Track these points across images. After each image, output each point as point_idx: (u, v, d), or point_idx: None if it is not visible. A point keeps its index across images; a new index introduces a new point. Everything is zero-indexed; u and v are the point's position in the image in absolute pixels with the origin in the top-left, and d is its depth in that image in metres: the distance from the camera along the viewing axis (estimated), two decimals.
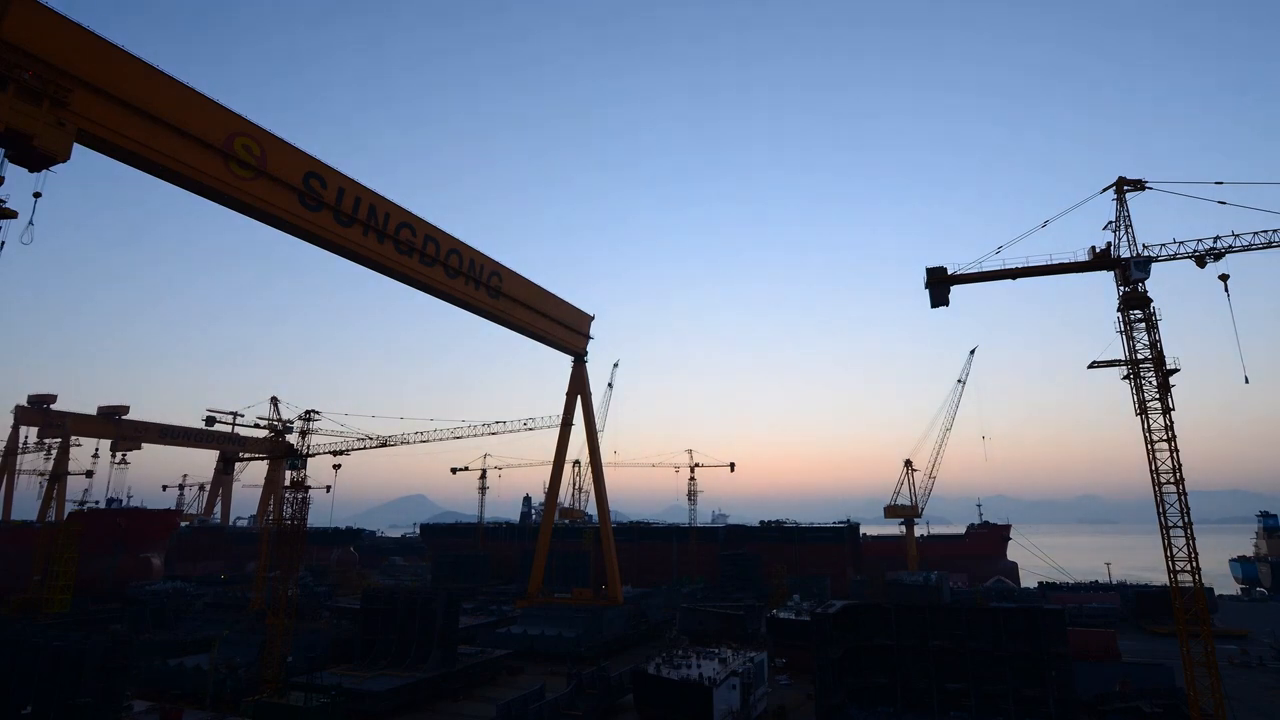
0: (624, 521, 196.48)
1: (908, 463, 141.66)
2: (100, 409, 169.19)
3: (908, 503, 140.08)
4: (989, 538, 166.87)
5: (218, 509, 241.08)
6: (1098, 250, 51.80)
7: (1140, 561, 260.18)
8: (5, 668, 44.45)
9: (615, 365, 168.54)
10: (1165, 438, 46.79)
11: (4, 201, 36.57)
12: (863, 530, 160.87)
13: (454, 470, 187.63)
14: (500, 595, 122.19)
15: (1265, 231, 48.50)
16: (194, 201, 53.77)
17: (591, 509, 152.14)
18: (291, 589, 57.73)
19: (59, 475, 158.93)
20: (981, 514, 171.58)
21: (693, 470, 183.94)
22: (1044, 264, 53.38)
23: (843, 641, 54.11)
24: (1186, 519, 45.59)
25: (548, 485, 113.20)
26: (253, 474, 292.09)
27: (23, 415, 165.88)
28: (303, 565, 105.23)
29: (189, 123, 48.95)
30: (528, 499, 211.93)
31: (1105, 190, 51.73)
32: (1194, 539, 45.35)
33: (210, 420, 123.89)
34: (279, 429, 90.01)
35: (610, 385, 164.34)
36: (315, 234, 59.73)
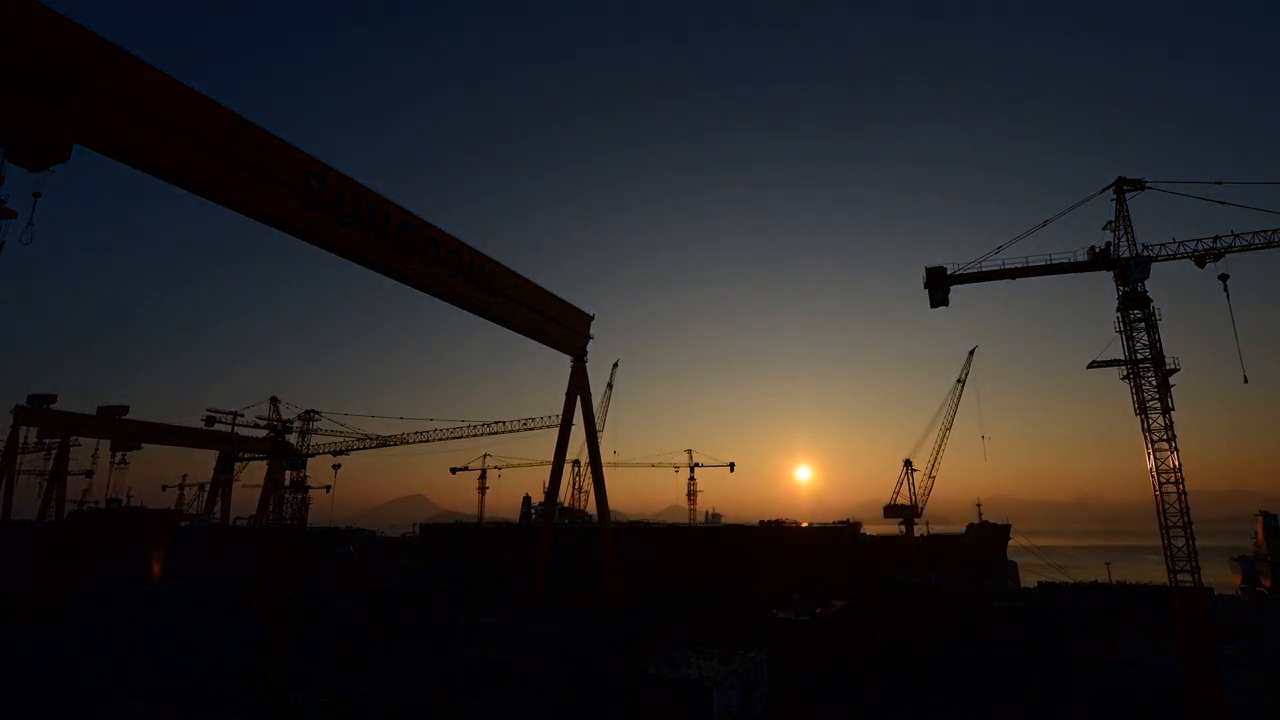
0: (624, 521, 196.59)
1: (907, 462, 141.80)
2: (100, 409, 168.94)
3: (907, 502, 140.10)
4: (989, 538, 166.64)
5: (217, 509, 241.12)
6: (1097, 250, 51.85)
7: (1140, 561, 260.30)
8: (5, 668, 44.49)
9: (615, 365, 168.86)
10: (1165, 438, 46.86)
11: (4, 201, 36.55)
12: (862, 529, 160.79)
13: (454, 470, 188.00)
14: (500, 595, 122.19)
15: (1265, 231, 48.60)
16: (194, 201, 53.77)
17: (592, 509, 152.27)
18: (291, 589, 57.81)
19: (59, 475, 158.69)
20: (981, 514, 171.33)
21: (692, 470, 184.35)
22: (1043, 264, 53.46)
23: (843, 641, 54.19)
24: (1186, 519, 45.69)
25: (548, 485, 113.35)
26: (253, 474, 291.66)
27: (23, 415, 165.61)
28: (302, 565, 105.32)
29: (188, 122, 48.94)
30: (527, 499, 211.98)
31: (1105, 190, 51.76)
32: (1194, 539, 45.45)
33: (210, 420, 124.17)
34: (279, 429, 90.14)
35: (610, 385, 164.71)
36: (315, 234, 59.72)
